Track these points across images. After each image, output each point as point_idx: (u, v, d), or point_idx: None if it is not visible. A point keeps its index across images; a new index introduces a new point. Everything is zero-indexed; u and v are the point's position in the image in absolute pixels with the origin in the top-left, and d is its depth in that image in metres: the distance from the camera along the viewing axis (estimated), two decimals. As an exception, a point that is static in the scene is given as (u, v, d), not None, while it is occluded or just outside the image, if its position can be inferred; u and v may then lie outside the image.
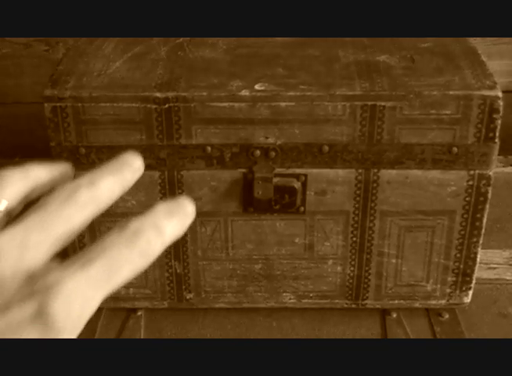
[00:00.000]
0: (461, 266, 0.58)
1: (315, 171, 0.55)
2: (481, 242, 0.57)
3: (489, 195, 0.55)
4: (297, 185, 0.55)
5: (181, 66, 0.56)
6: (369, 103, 0.52)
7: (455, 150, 0.54)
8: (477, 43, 0.61)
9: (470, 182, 0.55)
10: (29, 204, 0.28)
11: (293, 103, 0.53)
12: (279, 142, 0.54)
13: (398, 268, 0.59)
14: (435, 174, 0.55)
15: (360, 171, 0.55)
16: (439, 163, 0.54)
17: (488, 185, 0.55)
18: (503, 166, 0.82)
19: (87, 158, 0.54)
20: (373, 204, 0.56)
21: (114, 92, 0.53)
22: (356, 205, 0.56)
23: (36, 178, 0.29)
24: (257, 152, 0.54)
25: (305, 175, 0.55)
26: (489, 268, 0.67)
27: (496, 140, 0.53)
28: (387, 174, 0.55)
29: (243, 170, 0.55)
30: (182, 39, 0.61)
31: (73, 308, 0.25)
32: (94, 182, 0.27)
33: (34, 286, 0.25)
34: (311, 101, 0.53)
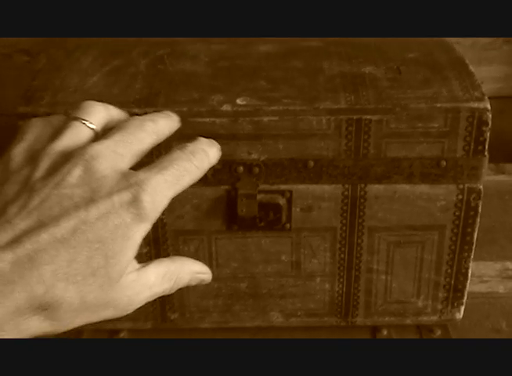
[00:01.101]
0: (452, 282, 0.57)
1: (300, 187, 0.53)
2: (472, 257, 0.56)
3: (479, 209, 0.54)
4: (282, 201, 0.54)
5: (160, 80, 0.54)
6: (355, 117, 0.51)
7: (443, 163, 0.52)
8: (467, 49, 0.60)
9: (460, 197, 0.53)
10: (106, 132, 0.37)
11: (276, 118, 0.51)
12: (262, 158, 0.52)
13: (387, 284, 0.57)
14: (424, 188, 0.53)
15: (347, 186, 0.53)
16: (428, 177, 0.53)
17: (479, 199, 0.53)
18: (494, 174, 0.80)
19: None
20: (360, 220, 0.54)
21: (91, 108, 0.51)
22: (343, 221, 0.55)
23: (112, 113, 0.38)
24: (241, 168, 0.53)
25: (290, 192, 0.53)
26: (481, 281, 0.65)
27: (486, 153, 0.52)
28: (375, 189, 0.53)
29: (226, 187, 0.53)
30: (162, 51, 0.59)
31: (156, 199, 0.33)
32: (154, 120, 0.38)
33: (128, 181, 0.33)
34: (294, 115, 0.51)
